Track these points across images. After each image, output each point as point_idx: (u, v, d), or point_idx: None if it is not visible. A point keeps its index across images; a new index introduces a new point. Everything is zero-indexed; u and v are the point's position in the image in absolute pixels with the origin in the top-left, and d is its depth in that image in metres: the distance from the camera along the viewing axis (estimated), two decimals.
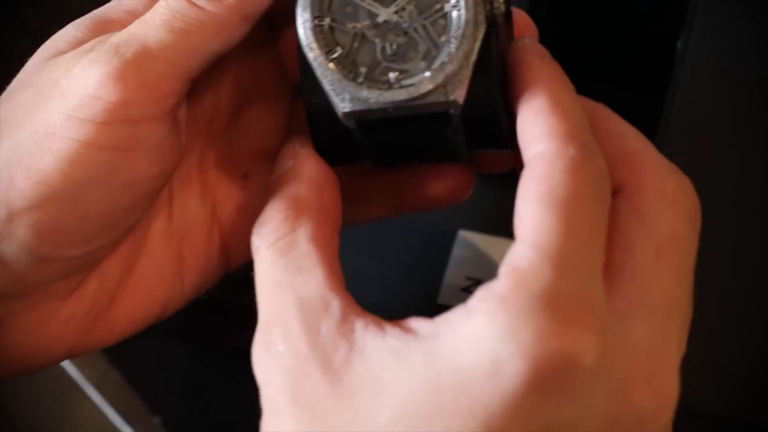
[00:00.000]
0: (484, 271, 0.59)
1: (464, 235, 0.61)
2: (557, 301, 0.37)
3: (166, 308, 0.51)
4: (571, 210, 0.39)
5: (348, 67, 0.44)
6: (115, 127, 0.44)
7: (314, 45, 0.44)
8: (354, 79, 0.43)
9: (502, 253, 0.45)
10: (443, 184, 0.50)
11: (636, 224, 0.42)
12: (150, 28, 0.45)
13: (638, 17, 0.66)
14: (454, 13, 0.43)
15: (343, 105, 0.43)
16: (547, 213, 0.39)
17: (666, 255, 0.41)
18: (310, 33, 0.44)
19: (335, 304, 0.41)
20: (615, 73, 0.69)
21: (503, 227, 0.54)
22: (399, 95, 0.43)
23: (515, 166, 0.48)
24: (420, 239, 0.57)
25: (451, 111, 0.43)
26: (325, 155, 0.46)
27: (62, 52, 0.46)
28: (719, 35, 0.61)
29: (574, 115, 0.42)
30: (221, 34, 0.45)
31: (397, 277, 0.60)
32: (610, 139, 0.43)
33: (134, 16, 0.47)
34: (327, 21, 0.44)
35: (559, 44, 0.67)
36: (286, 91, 0.52)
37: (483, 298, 0.38)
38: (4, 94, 0.46)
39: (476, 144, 0.46)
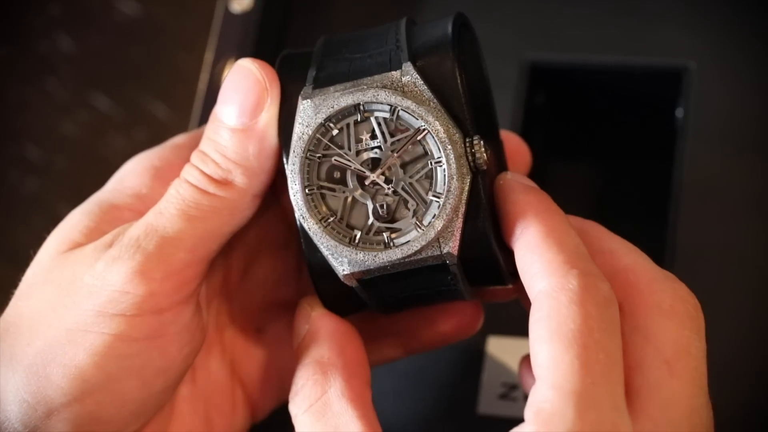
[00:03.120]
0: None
1: (495, 340, 0.61)
2: None
3: None
4: (582, 343, 0.40)
5: (343, 231, 0.45)
6: (145, 318, 0.45)
7: (307, 214, 0.44)
8: (349, 243, 0.44)
9: None
10: (452, 321, 0.52)
11: (642, 342, 0.43)
12: (166, 218, 0.46)
13: (635, 92, 0.67)
14: (439, 169, 0.44)
15: (342, 268, 0.44)
16: (560, 350, 0.40)
17: (677, 368, 0.42)
18: (302, 203, 0.45)
19: None
20: (618, 149, 0.69)
21: None
22: (394, 254, 0.44)
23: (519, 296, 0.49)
24: (450, 349, 0.56)
25: (447, 262, 0.44)
26: (334, 309, 0.47)
27: (77, 244, 0.47)
28: (716, 100, 0.62)
29: (568, 244, 0.43)
30: (235, 215, 0.47)
31: (433, 390, 0.59)
32: (602, 258, 0.45)
33: (138, 198, 0.49)
34: (317, 189, 0.45)
35: (560, 127, 0.68)
36: (292, 241, 0.52)
37: None
38: (22, 288, 0.48)
39: (477, 282, 0.47)
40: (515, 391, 0.59)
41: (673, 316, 0.43)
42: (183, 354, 0.47)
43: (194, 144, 0.50)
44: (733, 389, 0.56)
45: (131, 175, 0.50)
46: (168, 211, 0.46)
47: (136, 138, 0.79)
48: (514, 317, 0.55)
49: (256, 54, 0.67)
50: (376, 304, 0.46)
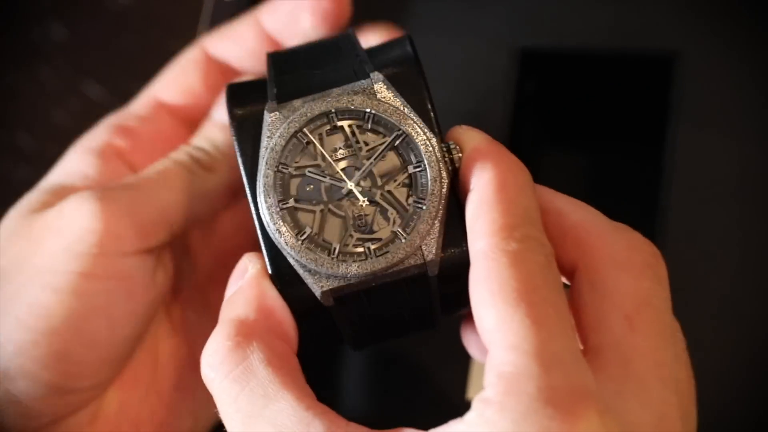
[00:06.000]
0: None
1: None
2: (554, 395, 0.37)
3: (196, 420, 0.52)
4: (529, 301, 0.38)
5: (320, 245, 0.43)
6: (109, 258, 0.45)
7: (283, 229, 0.43)
8: (329, 256, 0.43)
9: None
10: None
11: (599, 299, 0.41)
12: (145, 180, 0.48)
13: (626, 77, 0.67)
14: (418, 174, 0.43)
15: (320, 284, 0.42)
16: (507, 311, 0.38)
17: (638, 322, 0.40)
18: (277, 218, 0.43)
19: (317, 425, 0.39)
20: (609, 135, 0.69)
21: None
22: (378, 264, 0.42)
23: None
24: (438, 336, 0.56)
25: (428, 271, 0.43)
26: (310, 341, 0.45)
27: (37, 211, 0.49)
28: (707, 86, 0.62)
29: (519, 204, 0.40)
30: (209, 198, 0.50)
31: (422, 377, 0.59)
32: (549, 218, 0.42)
33: (86, 177, 0.50)
34: (291, 203, 0.43)
35: (551, 113, 0.68)
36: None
37: (478, 410, 0.37)
38: None
39: (451, 303, 0.46)
40: None
41: (629, 268, 0.41)
42: (150, 297, 0.48)
43: (123, 121, 0.52)
44: (722, 376, 0.56)
45: (73, 159, 0.51)
46: (148, 175, 0.48)
47: None
48: None
49: None
50: (349, 328, 0.45)
